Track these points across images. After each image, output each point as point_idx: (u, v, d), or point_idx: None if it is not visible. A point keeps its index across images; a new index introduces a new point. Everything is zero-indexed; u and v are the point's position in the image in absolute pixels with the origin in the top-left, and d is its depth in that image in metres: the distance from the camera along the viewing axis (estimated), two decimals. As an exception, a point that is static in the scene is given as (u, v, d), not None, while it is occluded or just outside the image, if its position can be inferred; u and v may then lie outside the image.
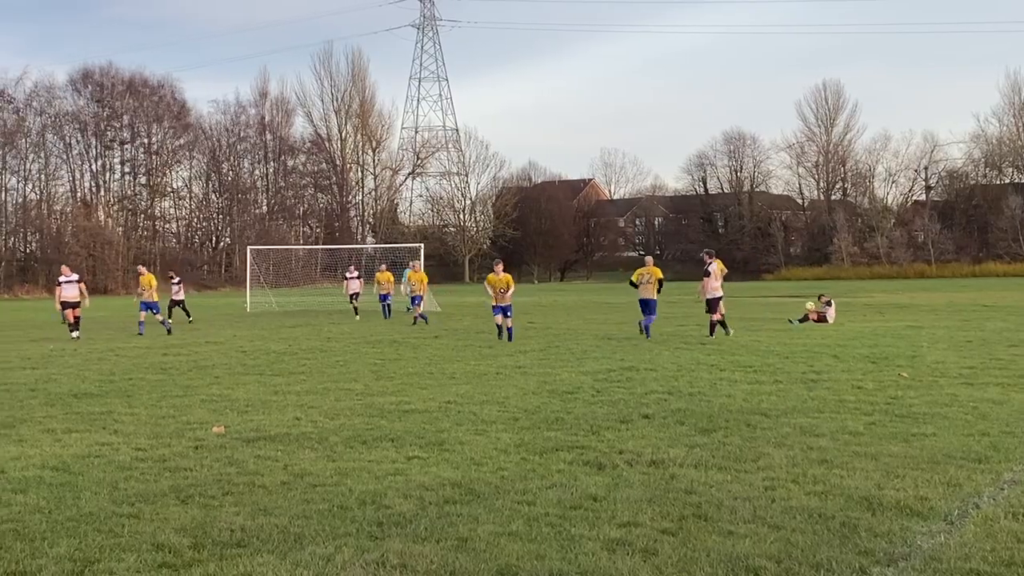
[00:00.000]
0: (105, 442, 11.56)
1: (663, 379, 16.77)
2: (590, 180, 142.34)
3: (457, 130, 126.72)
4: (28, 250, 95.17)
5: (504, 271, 27.40)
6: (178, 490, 9.01)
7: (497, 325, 26.53)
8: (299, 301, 49.82)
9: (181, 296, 40.05)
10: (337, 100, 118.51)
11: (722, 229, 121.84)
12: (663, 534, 7.42)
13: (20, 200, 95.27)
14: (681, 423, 12.30)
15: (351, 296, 41.04)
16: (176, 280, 40.58)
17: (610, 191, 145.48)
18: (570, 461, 10.01)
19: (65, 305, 29.79)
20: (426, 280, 33.47)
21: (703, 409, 13.35)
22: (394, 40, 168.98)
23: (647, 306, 25.78)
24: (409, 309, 35.90)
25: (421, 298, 34.54)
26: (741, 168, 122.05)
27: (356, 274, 41.99)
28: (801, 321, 29.63)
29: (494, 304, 26.60)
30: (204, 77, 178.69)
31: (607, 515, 7.96)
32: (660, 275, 26.27)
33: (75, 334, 28.95)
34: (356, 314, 39.56)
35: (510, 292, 26.43)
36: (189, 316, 39.05)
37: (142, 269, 35.11)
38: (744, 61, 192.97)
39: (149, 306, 31.91)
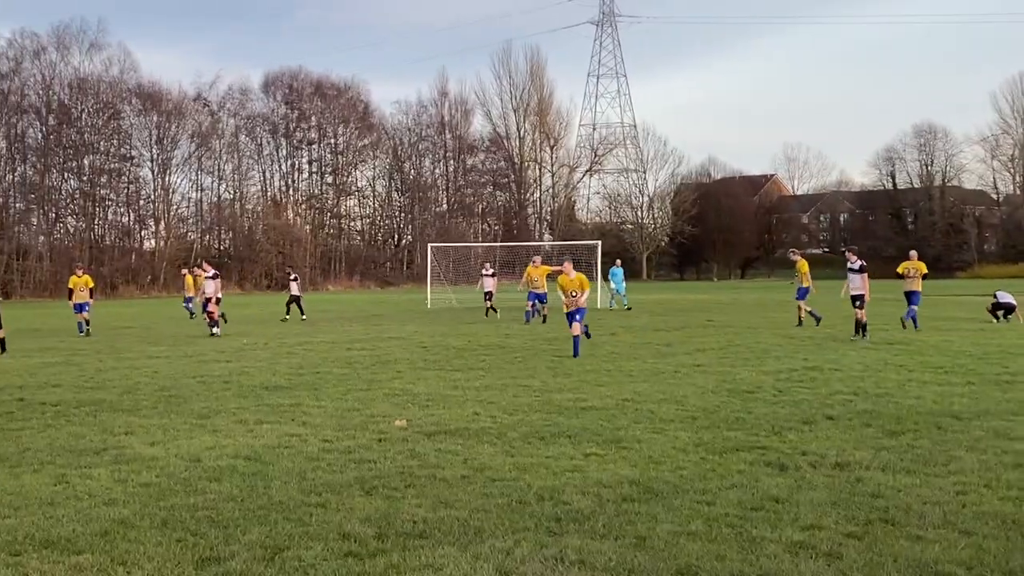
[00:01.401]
0: (294, 433, 11.91)
1: (848, 380, 16.35)
2: (772, 176, 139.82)
3: (635, 126, 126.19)
4: (222, 247, 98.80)
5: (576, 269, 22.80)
6: (363, 481, 9.22)
7: (574, 336, 21.49)
8: (478, 298, 50.36)
9: (298, 292, 39.41)
10: (516, 98, 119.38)
11: (912, 225, 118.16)
12: (848, 538, 7.25)
13: (215, 199, 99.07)
14: (868, 425, 11.98)
15: (485, 295, 38.89)
16: (293, 276, 40.15)
17: (793, 187, 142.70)
18: (751, 462, 9.85)
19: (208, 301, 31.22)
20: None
21: (891, 411, 12.98)
22: (572, 38, 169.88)
23: (911, 298, 27.32)
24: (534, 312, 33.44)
25: (544, 297, 33.13)
26: (932, 162, 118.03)
27: (491, 271, 40.42)
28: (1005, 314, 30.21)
29: (566, 311, 22.16)
30: (387, 79, 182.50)
31: (789, 517, 7.81)
32: (925, 269, 27.95)
33: (216, 330, 30.12)
34: (488, 313, 37.63)
35: (584, 296, 22.00)
36: (303, 314, 38.30)
37: (199, 270, 34.57)
38: (934, 52, 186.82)
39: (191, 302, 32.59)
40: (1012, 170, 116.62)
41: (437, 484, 9.11)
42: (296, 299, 38.93)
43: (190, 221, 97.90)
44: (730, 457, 10.16)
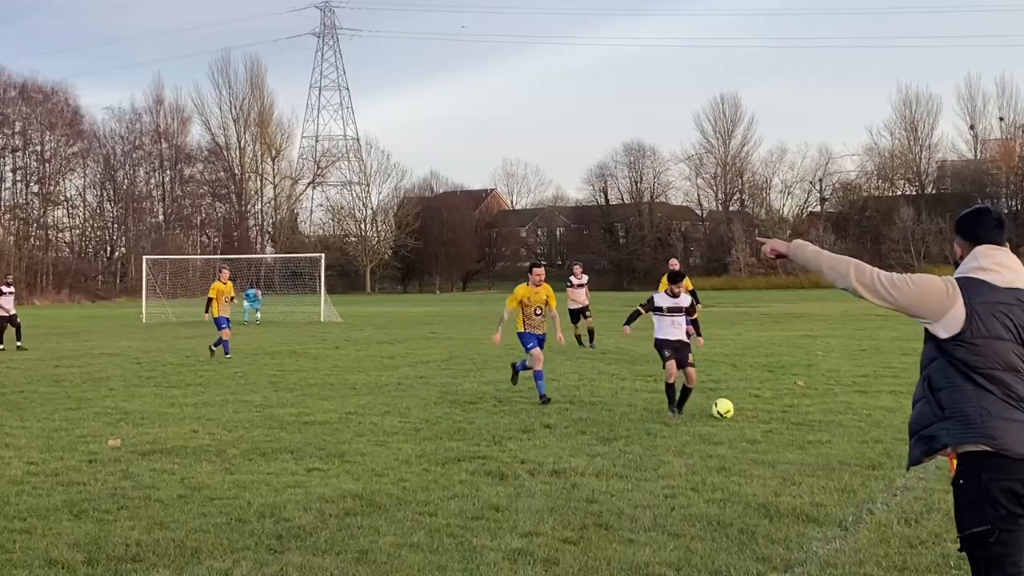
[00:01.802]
0: (-6, 457, 11.25)
1: (565, 389, 16.85)
2: (492, 190, 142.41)
3: (358, 139, 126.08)
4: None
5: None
6: (72, 504, 8.81)
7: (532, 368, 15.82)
8: (196, 312, 49.04)
9: (12, 309, 29.28)
10: (235, 108, 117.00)
11: (623, 239, 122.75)
12: (565, 543, 7.45)
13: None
14: (583, 432, 12.36)
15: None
16: (10, 290, 29.86)
17: (512, 201, 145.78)
18: (472, 471, 10.00)
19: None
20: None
21: (604, 418, 13.44)
22: (294, 49, 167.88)
23: None
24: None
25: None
26: (641, 179, 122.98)
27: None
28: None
29: (522, 331, 15.92)
30: (99, 84, 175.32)
31: (509, 525, 7.97)
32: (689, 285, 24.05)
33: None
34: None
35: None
36: (20, 339, 29.03)
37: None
38: (643, 73, 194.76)
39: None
40: (715, 187, 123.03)
41: (152, 505, 8.81)
42: (11, 319, 29.10)
43: None
44: (452, 467, 10.28)
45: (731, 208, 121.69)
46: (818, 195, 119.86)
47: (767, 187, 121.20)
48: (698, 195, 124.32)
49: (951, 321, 4.56)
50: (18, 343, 28.72)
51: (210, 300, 25.45)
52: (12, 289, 29.95)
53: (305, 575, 6.78)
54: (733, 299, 65.02)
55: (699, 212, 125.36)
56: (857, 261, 4.80)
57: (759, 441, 11.55)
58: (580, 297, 26.26)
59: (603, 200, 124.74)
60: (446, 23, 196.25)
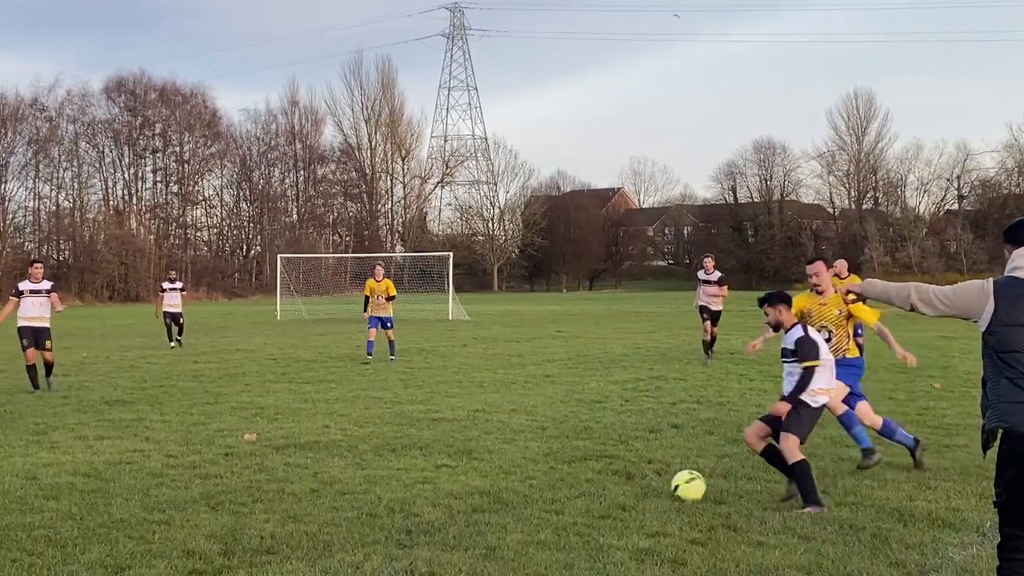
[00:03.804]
0: (136, 449, 11.63)
1: (692, 389, 16.73)
2: (619, 189, 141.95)
3: (486, 139, 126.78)
4: (61, 258, 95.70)
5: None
6: (208, 497, 9.06)
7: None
8: (328, 309, 49.95)
9: (179, 307, 29.17)
10: (367, 109, 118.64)
11: (752, 238, 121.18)
12: (692, 544, 7.41)
13: (53, 208, 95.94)
14: (710, 433, 12.27)
15: None
16: (177, 285, 29.91)
17: (639, 200, 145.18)
18: (599, 471, 10.00)
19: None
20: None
21: (732, 419, 13.31)
22: (424, 50, 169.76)
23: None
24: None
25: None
26: (771, 177, 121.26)
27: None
28: None
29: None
30: (235, 87, 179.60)
31: (636, 525, 7.95)
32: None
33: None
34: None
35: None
36: (180, 335, 29.08)
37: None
38: (773, 70, 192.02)
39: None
40: (847, 185, 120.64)
41: (286, 498, 9.01)
42: (175, 316, 28.77)
43: (27, 231, 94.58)
44: (579, 466, 10.29)
45: (864, 206, 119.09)
46: (956, 193, 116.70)
47: (902, 185, 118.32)
48: (830, 193, 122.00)
49: (985, 314, 5.48)
50: (178, 338, 28.59)
51: (366, 299, 23.91)
52: (178, 285, 29.60)
53: (434, 570, 6.86)
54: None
55: (831, 210, 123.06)
56: (916, 284, 5.84)
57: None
58: (713, 295, 21.91)
59: (732, 198, 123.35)
60: (574, 22, 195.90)
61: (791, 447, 8.44)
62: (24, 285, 18.44)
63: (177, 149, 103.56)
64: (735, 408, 14.35)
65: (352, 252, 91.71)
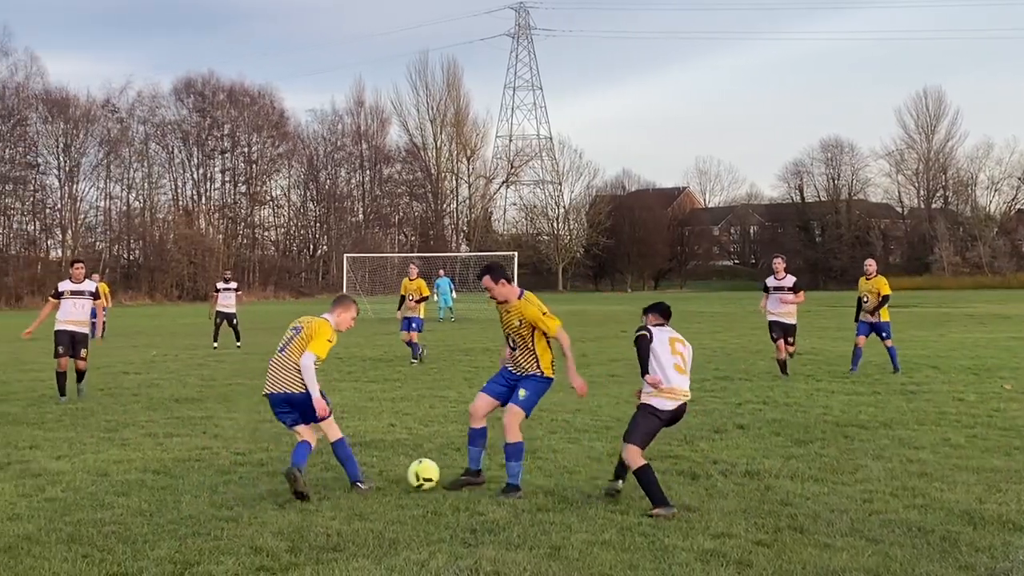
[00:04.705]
0: (205, 446, 11.79)
1: (758, 389, 16.60)
2: (684, 188, 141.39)
3: (551, 138, 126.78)
4: (131, 257, 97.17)
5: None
6: (275, 494, 9.16)
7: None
8: (393, 309, 50.17)
9: (233, 307, 28.75)
10: (432, 109, 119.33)
11: (819, 237, 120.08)
12: (758, 546, 7.36)
13: (124, 208, 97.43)
14: (777, 434, 12.18)
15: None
16: (232, 285, 29.10)
17: (705, 199, 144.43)
18: (663, 471, 9.96)
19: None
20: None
21: (799, 420, 13.20)
22: (489, 50, 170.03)
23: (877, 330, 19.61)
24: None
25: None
26: (839, 176, 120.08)
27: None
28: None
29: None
30: (302, 88, 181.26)
31: (701, 526, 7.92)
32: (886, 289, 19.83)
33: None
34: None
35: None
36: (239, 339, 28.72)
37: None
38: (841, 67, 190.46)
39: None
40: (916, 184, 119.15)
41: (351, 496, 9.09)
42: (228, 317, 28.52)
43: (98, 230, 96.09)
44: (643, 467, 10.25)
45: (933, 205, 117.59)
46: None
47: (972, 183, 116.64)
48: (899, 192, 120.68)
49: None
50: (237, 344, 27.77)
51: (402, 298, 23.30)
52: (233, 285, 28.70)
53: (499, 569, 6.88)
54: (935, 299, 62.81)
55: (899, 209, 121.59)
56: None
57: (963, 446, 11.16)
58: (785, 305, 18.78)
59: (799, 197, 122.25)
60: (639, 21, 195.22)
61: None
62: (64, 286, 16.94)
63: (245, 149, 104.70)
64: (802, 409, 14.22)
65: (417, 251, 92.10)
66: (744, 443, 11.58)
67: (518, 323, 9.46)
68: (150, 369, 21.70)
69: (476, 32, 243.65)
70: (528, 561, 7.03)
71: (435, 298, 43.21)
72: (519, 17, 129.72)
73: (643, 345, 8.82)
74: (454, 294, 45.92)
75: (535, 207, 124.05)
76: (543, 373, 9.63)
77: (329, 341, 9.61)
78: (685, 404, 8.91)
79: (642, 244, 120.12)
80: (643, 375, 8.76)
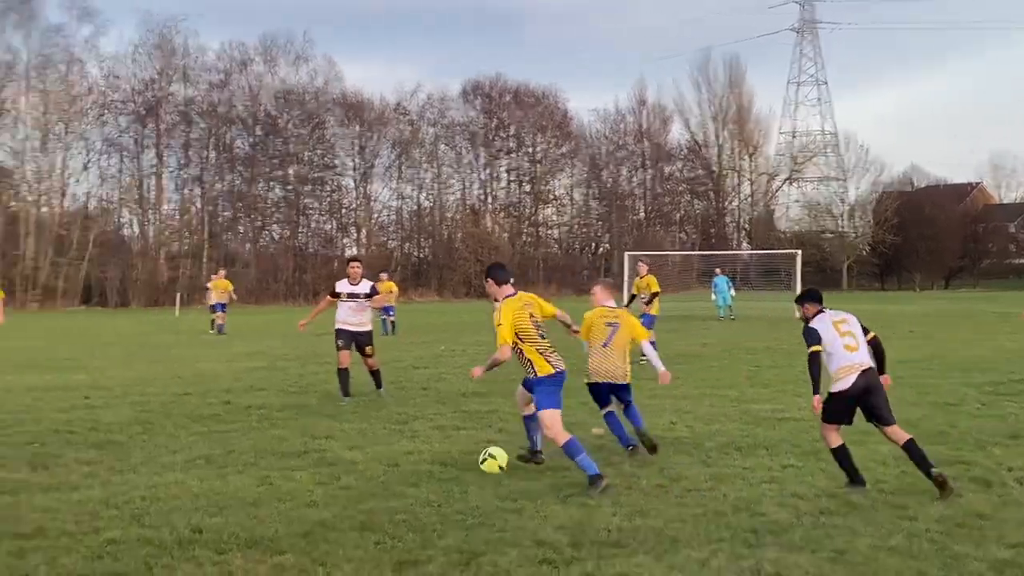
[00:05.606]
0: (490, 440, 12.16)
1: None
2: (978, 184, 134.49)
3: (835, 134, 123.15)
4: (421, 255, 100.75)
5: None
6: (558, 489, 9.37)
7: None
8: (675, 307, 50.05)
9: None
10: (714, 107, 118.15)
11: None
12: (1057, 559, 7.03)
13: (414, 207, 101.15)
14: (1081, 442, 11.51)
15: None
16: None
17: (1000, 195, 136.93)
18: (954, 476, 9.60)
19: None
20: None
21: (1106, 428, 12.42)
22: (770, 45, 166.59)
23: None
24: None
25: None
26: None
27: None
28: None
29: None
30: (583, 87, 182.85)
31: (994, 535, 7.62)
32: None
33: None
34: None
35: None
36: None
37: None
38: None
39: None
40: None
41: (632, 493, 9.20)
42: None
43: (390, 229, 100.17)
44: (933, 472, 9.92)
45: None
46: None
47: None
48: None
49: None
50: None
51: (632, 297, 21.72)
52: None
53: (780, 571, 6.84)
54: None
55: None
56: None
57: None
58: None
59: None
60: (928, 9, 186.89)
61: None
62: (342, 286, 16.39)
63: (530, 149, 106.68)
64: (1109, 417, 13.36)
65: (698, 250, 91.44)
66: (1043, 451, 11.01)
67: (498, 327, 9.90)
68: (438, 364, 22.48)
69: (758, 28, 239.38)
70: (811, 564, 6.96)
71: (713, 296, 44.47)
72: (803, 11, 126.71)
73: (814, 365, 9.18)
74: (732, 292, 45.70)
75: (819, 204, 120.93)
76: (537, 374, 10.12)
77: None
78: (867, 370, 9.29)
79: (931, 241, 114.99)
80: (814, 393, 9.19)
